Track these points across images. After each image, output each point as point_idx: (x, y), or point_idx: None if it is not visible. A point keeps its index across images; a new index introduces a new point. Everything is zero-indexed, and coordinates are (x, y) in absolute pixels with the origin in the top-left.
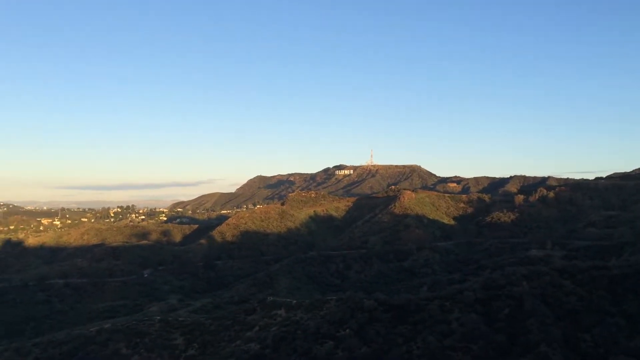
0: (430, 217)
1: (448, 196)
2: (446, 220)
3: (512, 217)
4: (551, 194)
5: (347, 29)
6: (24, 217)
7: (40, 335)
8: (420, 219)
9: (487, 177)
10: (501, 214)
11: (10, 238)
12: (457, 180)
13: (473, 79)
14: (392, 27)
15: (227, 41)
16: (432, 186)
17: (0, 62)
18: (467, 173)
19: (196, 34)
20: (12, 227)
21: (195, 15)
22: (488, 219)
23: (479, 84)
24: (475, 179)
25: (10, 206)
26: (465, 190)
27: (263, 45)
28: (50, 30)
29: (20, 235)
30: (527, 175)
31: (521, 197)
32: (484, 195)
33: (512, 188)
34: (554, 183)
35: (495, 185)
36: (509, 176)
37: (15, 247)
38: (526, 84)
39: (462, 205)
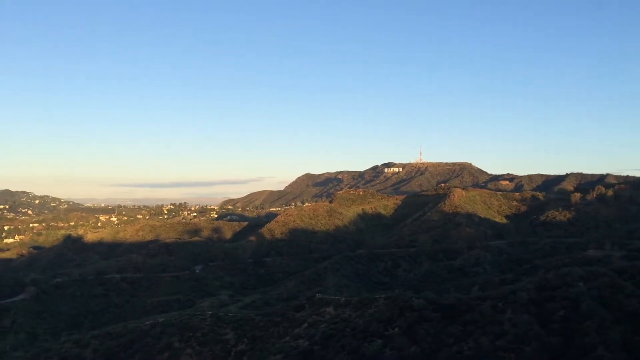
0: (482, 216)
1: (500, 194)
2: (498, 218)
3: (568, 216)
4: (610, 192)
5: (395, 26)
6: (83, 214)
7: (98, 328)
8: (471, 217)
9: (542, 175)
10: (556, 213)
11: (70, 234)
12: (510, 177)
13: (526, 73)
14: (440, 24)
15: (276, 40)
16: (483, 184)
17: (60, 62)
18: (520, 170)
19: (244, 33)
20: (72, 223)
21: (245, 14)
22: (542, 217)
23: (533, 79)
24: (529, 176)
25: (71, 203)
26: (518, 188)
27: (312, 44)
28: (118, 28)
29: (80, 231)
30: (585, 172)
31: (578, 195)
32: (538, 193)
33: (568, 186)
34: (613, 181)
35: (550, 183)
36: (564, 174)
37: (75, 243)
38: (584, 78)
39: (515, 203)
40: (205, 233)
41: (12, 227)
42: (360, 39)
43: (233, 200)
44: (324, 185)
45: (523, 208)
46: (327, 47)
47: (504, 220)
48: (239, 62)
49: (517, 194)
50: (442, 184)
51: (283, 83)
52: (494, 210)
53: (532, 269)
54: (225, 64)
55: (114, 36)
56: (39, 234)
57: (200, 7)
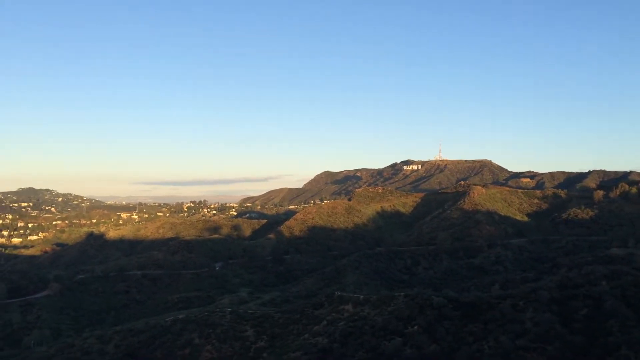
0: (502, 214)
1: (521, 192)
2: (519, 216)
3: (591, 213)
4: (634, 190)
5: (415, 23)
6: (105, 211)
7: (120, 324)
8: (491, 215)
9: (563, 172)
10: (579, 211)
11: (92, 231)
12: (531, 175)
13: (548, 69)
14: (461, 22)
15: (297, 38)
16: (504, 181)
17: (84, 63)
18: (542, 168)
19: (265, 32)
20: (94, 221)
21: (269, 12)
22: (564, 215)
23: (555, 75)
24: (551, 173)
25: (93, 201)
26: (540, 185)
27: (330, 42)
28: (141, 26)
29: (102, 229)
30: (607, 169)
31: (601, 192)
32: (560, 190)
33: (590, 183)
34: (637, 178)
35: (572, 180)
36: (587, 171)
37: (97, 240)
38: (607, 74)
39: (536, 201)
40: (225, 230)
41: (36, 224)
42: (380, 37)
43: (252, 198)
44: (343, 183)
45: (544, 206)
46: (347, 45)
47: (525, 218)
48: (260, 61)
49: (538, 191)
50: (462, 182)
51: (303, 81)
52: (514, 208)
53: (554, 267)
54: (246, 62)
55: (137, 34)
56: (62, 231)
57: (227, 6)
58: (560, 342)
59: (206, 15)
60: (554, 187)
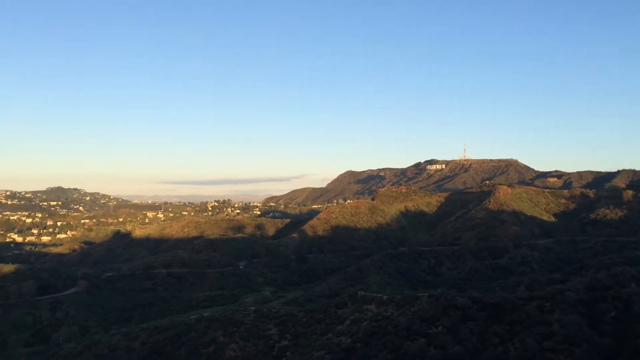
0: (528, 214)
1: (548, 191)
2: (546, 216)
3: (620, 214)
4: None
5: (439, 24)
6: (131, 210)
7: (146, 321)
8: (517, 215)
9: (591, 172)
10: (607, 211)
11: (119, 230)
12: (558, 174)
13: (574, 68)
14: (486, 20)
15: (319, 39)
16: (530, 181)
17: (115, 65)
18: (569, 167)
19: (289, 33)
20: (121, 220)
21: (300, 15)
22: (592, 216)
23: (582, 74)
24: (578, 173)
25: (120, 200)
26: (567, 185)
27: (356, 43)
28: (163, 26)
29: (128, 227)
30: (637, 169)
31: (630, 192)
32: (588, 190)
33: (619, 183)
34: None
35: (600, 180)
36: (616, 170)
37: (123, 238)
38: (634, 72)
39: (563, 201)
40: (249, 230)
41: (64, 223)
42: (406, 38)
43: (275, 197)
44: (366, 183)
45: (572, 206)
46: (373, 46)
47: (552, 219)
48: (286, 61)
49: (565, 191)
50: (487, 181)
51: (328, 82)
52: (541, 208)
53: (581, 268)
54: (271, 63)
55: (159, 37)
56: (90, 230)
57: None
58: (588, 344)
59: (228, 14)
60: (581, 187)
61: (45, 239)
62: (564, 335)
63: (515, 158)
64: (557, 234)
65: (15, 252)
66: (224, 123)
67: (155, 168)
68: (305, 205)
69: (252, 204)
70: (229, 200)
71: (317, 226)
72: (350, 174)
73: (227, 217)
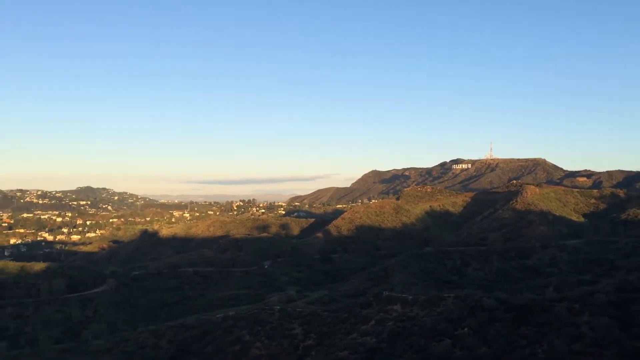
0: (557, 214)
1: (577, 191)
2: (575, 217)
3: None
4: None
5: (464, 24)
6: (158, 210)
7: (173, 319)
8: (545, 215)
9: (622, 171)
10: (639, 211)
11: (146, 229)
12: (588, 174)
13: (603, 66)
14: (512, 19)
15: (342, 41)
16: (558, 181)
17: (144, 65)
18: (599, 166)
19: (319, 33)
20: (148, 219)
21: (314, 14)
22: (623, 216)
23: (610, 72)
24: (609, 172)
25: (147, 199)
26: (597, 185)
27: (377, 42)
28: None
29: (155, 226)
30: None
31: None
32: (619, 190)
33: None
34: None
35: (631, 179)
36: None
37: (151, 237)
38: None
39: (593, 201)
40: (274, 229)
41: (93, 222)
42: (427, 36)
43: (300, 197)
44: (391, 182)
45: (602, 206)
46: (398, 45)
47: (581, 219)
48: (310, 62)
49: (595, 191)
50: (514, 181)
51: (353, 81)
52: (569, 208)
53: (612, 269)
54: (296, 63)
55: (186, 38)
56: (118, 229)
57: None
58: (618, 347)
59: (251, 14)
60: (612, 187)
61: (75, 237)
62: (593, 338)
63: (543, 157)
64: (587, 235)
65: (46, 250)
66: (250, 123)
67: (181, 168)
68: (329, 205)
69: (276, 204)
70: (254, 199)
71: (341, 226)
72: (374, 173)
73: (252, 216)
